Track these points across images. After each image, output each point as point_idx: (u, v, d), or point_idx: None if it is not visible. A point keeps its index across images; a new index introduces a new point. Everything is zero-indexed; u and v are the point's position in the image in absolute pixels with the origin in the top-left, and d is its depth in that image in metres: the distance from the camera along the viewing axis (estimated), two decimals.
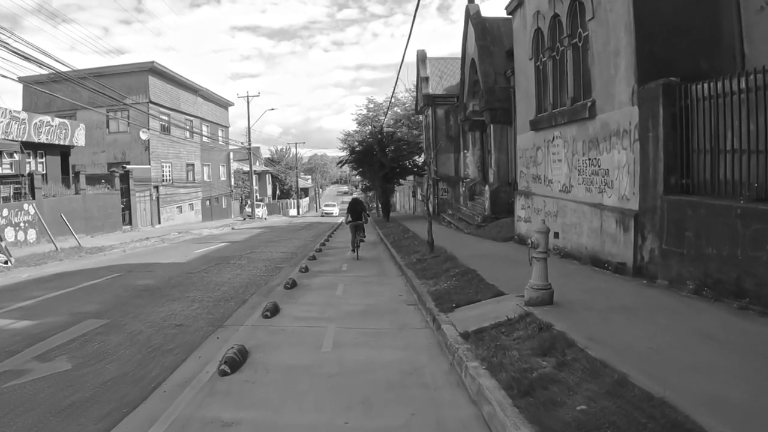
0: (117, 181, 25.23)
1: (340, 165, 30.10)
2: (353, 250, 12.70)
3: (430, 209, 12.24)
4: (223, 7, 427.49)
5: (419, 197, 36.54)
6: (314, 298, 7.89)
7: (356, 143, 28.94)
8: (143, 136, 29.22)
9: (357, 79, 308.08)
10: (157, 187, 30.54)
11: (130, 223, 26.37)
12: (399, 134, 29.49)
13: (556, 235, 9.86)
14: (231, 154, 44.46)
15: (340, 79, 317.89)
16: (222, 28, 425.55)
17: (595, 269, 7.91)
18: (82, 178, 22.64)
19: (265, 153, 76.66)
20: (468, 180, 22.27)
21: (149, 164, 29.74)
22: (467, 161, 25.87)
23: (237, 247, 16.71)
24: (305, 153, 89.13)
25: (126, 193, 26.34)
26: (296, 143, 60.39)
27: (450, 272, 8.45)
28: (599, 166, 8.33)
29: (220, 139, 41.86)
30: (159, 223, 30.54)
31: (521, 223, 12.09)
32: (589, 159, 8.68)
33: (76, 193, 22.08)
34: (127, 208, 26.41)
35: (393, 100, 41.17)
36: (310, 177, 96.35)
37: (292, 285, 8.79)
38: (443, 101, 28.35)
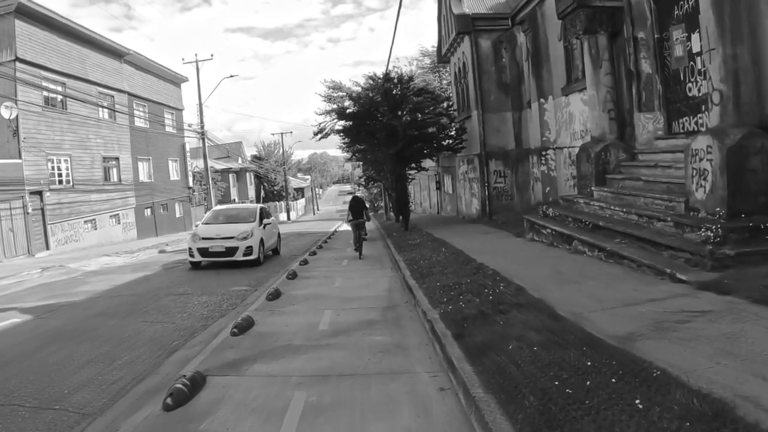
0: None
1: (319, 136, 17.76)
2: (355, 249, 12.58)
3: None
4: (214, 8, 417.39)
5: (446, 190, 24.99)
6: None
7: (348, 101, 16.82)
8: (6, 113, 18.06)
9: (355, 77, 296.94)
10: (40, 193, 19.40)
11: None
12: (418, 82, 17.41)
13: None
14: (187, 145, 33.28)
15: (339, 77, 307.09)
16: (215, 30, 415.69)
17: None
18: None
19: (252, 150, 65.81)
20: (590, 143, 10.61)
21: (20, 158, 18.57)
22: (559, 114, 14.40)
23: None
24: (304, 153, 78.09)
25: None
26: (282, 133, 48.74)
27: None
28: None
29: (168, 124, 30.69)
30: (47, 248, 19.41)
31: None
32: None
33: None
34: None
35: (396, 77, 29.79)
36: (309, 177, 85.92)
37: None
38: (489, 26, 17.04)
